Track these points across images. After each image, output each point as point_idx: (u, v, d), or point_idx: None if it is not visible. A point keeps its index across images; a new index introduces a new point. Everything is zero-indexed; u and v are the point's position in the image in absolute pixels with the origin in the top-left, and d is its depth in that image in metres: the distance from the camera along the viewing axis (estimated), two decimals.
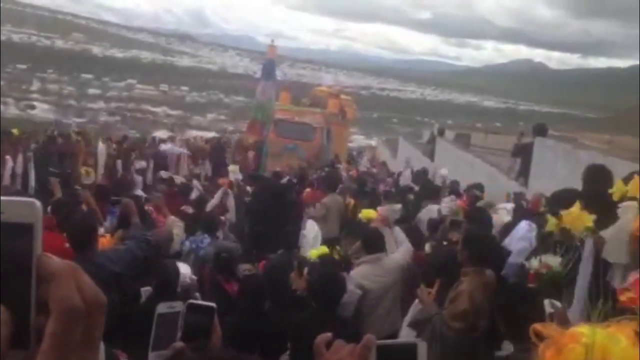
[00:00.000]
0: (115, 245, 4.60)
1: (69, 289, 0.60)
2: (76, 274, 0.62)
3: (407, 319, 4.39)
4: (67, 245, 4.19)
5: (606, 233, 2.88)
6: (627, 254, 2.66)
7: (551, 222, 3.56)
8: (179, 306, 1.18)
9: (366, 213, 7.29)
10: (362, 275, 5.01)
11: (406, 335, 4.28)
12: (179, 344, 1.12)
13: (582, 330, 0.88)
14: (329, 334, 1.00)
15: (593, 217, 3.14)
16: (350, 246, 6.51)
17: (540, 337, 0.91)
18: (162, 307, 1.19)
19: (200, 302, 1.16)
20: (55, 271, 0.61)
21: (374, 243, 5.25)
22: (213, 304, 1.15)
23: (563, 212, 3.32)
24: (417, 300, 4.24)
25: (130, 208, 4.65)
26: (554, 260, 3.79)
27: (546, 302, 3.31)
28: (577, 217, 3.20)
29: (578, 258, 3.43)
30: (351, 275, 5.04)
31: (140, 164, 13.09)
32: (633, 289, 2.39)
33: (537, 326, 0.92)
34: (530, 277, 3.90)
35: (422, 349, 0.95)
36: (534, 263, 3.87)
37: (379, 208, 7.90)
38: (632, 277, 2.43)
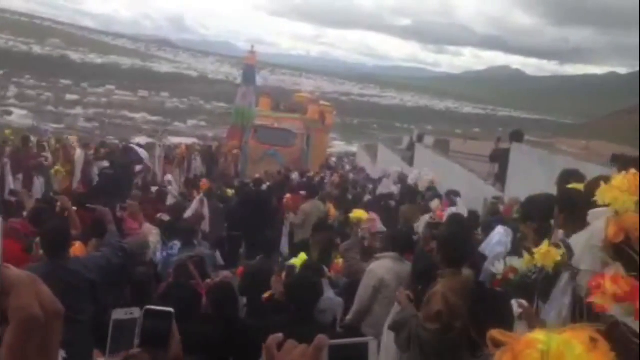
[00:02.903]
0: (90, 253, 4.56)
1: (28, 299, 0.61)
2: (35, 284, 0.63)
3: (388, 321, 4.39)
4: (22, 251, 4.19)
5: (577, 240, 2.90)
6: (599, 261, 2.67)
7: (526, 259, 3.58)
8: (136, 312, 1.16)
9: (357, 214, 7.33)
10: (384, 268, 4.94)
11: (387, 339, 4.29)
12: (135, 350, 1.11)
13: (538, 336, 0.90)
14: (280, 335, 0.99)
15: (562, 251, 3.15)
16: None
17: (498, 343, 0.92)
18: (118, 313, 1.17)
19: (158, 307, 1.14)
20: (15, 282, 0.61)
21: (401, 242, 5.21)
22: (171, 309, 1.14)
23: (535, 250, 3.33)
24: (396, 303, 4.25)
25: (106, 216, 4.62)
26: (519, 263, 3.85)
27: (513, 302, 3.35)
28: (546, 253, 3.21)
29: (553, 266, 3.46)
30: (372, 268, 4.99)
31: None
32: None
33: (494, 333, 0.93)
34: (496, 282, 3.94)
35: (373, 347, 0.96)
36: (500, 267, 3.91)
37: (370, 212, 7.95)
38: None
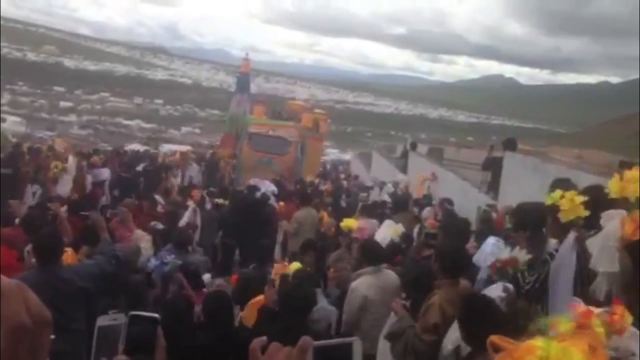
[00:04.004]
0: (81, 262, 4.53)
1: (17, 307, 0.61)
2: (23, 292, 0.63)
3: (384, 330, 4.38)
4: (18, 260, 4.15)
5: (592, 242, 2.90)
6: (617, 262, 2.67)
7: (553, 196, 3.54)
8: (120, 318, 1.14)
9: (347, 222, 7.32)
10: (365, 286, 4.90)
11: (383, 347, 4.27)
12: (121, 357, 1.10)
13: (538, 343, 0.90)
14: (264, 338, 0.99)
15: (587, 212, 3.17)
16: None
17: (497, 349, 0.93)
18: (102, 320, 1.16)
19: (143, 313, 1.13)
20: (3, 290, 0.61)
21: (374, 254, 5.16)
22: (156, 315, 1.12)
23: (566, 194, 3.33)
24: (393, 313, 4.24)
25: (99, 224, 4.60)
26: (521, 255, 3.84)
27: (499, 285, 3.34)
28: (574, 204, 3.21)
29: (547, 274, 3.46)
30: (354, 287, 4.95)
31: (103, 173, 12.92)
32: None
33: (494, 338, 0.93)
34: (494, 266, 3.92)
35: (358, 347, 0.95)
36: (504, 254, 3.89)
37: (359, 220, 7.95)
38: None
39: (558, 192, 3.39)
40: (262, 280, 5.45)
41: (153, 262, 6.04)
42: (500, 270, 3.86)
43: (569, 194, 3.28)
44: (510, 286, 3.27)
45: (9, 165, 12.28)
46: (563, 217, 3.25)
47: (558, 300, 3.25)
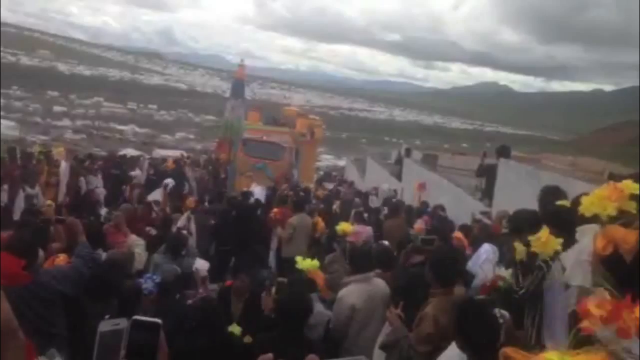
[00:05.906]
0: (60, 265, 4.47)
1: None
2: None
3: (379, 340, 4.35)
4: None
5: (567, 257, 2.90)
6: (590, 276, 2.67)
7: (519, 250, 3.57)
8: (122, 323, 1.13)
9: (343, 227, 7.31)
10: (352, 294, 4.86)
11: (377, 357, 4.25)
12: None
13: (552, 357, 0.89)
14: (270, 355, 0.98)
15: (560, 240, 3.16)
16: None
17: None
18: (104, 325, 1.14)
19: (145, 318, 1.12)
20: None
21: (362, 262, 5.11)
22: (159, 320, 1.11)
23: (530, 238, 3.34)
24: (387, 322, 4.22)
25: (76, 227, 4.51)
26: (506, 273, 3.87)
27: (495, 311, 3.34)
28: (546, 242, 3.22)
29: (542, 277, 3.46)
30: (341, 296, 4.90)
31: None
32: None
33: (507, 351, 0.92)
34: (485, 289, 3.94)
35: None
36: (490, 275, 3.92)
37: (354, 225, 7.92)
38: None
39: (520, 246, 3.40)
40: (258, 286, 5.41)
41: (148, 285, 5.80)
42: (493, 288, 3.88)
43: (533, 238, 3.29)
44: (506, 313, 3.26)
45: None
46: (541, 257, 3.27)
47: (555, 327, 3.24)
